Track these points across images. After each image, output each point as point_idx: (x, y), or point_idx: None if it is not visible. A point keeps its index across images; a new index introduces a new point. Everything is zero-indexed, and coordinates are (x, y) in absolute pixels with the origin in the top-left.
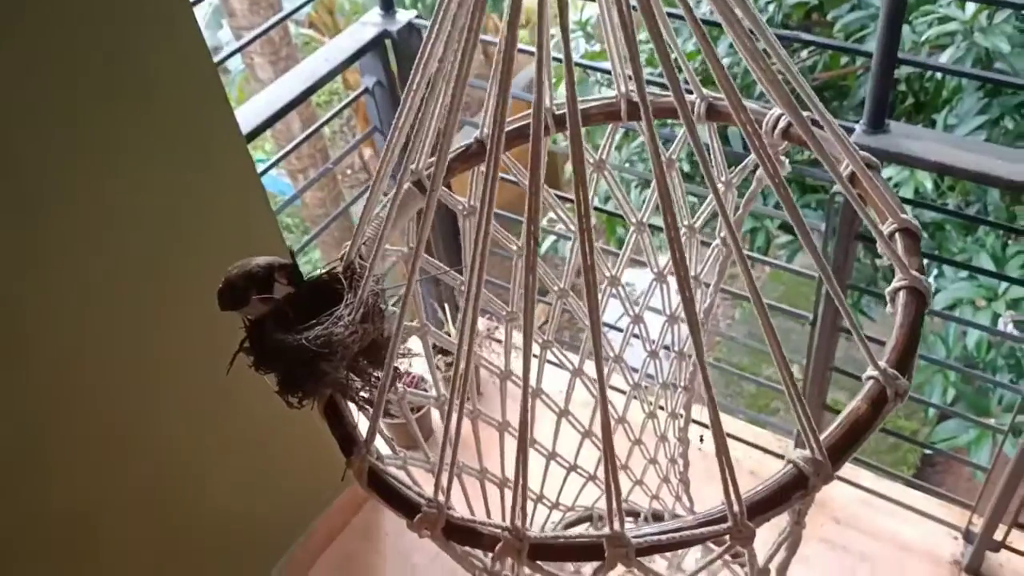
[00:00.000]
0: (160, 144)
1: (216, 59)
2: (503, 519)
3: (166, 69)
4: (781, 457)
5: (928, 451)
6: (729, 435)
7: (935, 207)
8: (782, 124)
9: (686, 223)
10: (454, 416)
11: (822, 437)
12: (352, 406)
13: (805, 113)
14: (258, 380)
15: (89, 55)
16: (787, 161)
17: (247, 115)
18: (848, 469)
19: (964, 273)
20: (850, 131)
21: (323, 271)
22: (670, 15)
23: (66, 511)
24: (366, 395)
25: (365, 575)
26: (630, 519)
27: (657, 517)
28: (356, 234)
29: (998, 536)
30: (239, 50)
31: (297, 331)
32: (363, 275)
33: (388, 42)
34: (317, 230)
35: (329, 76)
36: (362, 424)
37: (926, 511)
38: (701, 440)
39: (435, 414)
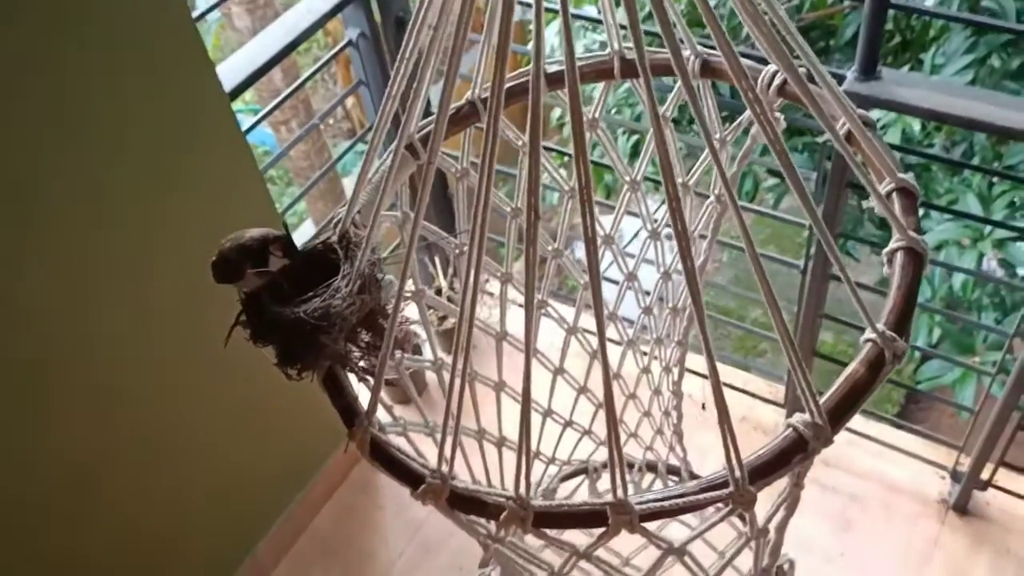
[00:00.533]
0: (142, 106)
1: (195, 14)
2: (501, 479)
3: (144, 26)
4: (772, 403)
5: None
6: (696, 372)
7: (923, 153)
8: (778, 81)
9: (680, 180)
10: (456, 385)
11: (821, 401)
12: (352, 376)
13: (800, 68)
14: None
15: (66, 11)
16: (782, 117)
17: (229, 72)
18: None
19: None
20: (841, 79)
21: (318, 241)
22: None
23: (66, 461)
24: (365, 365)
25: (365, 527)
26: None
27: (651, 467)
28: (350, 203)
29: (985, 475)
30: (217, 5)
31: (295, 304)
32: (358, 244)
33: None
34: (304, 188)
35: (312, 29)
36: (362, 393)
37: (913, 451)
38: (704, 408)
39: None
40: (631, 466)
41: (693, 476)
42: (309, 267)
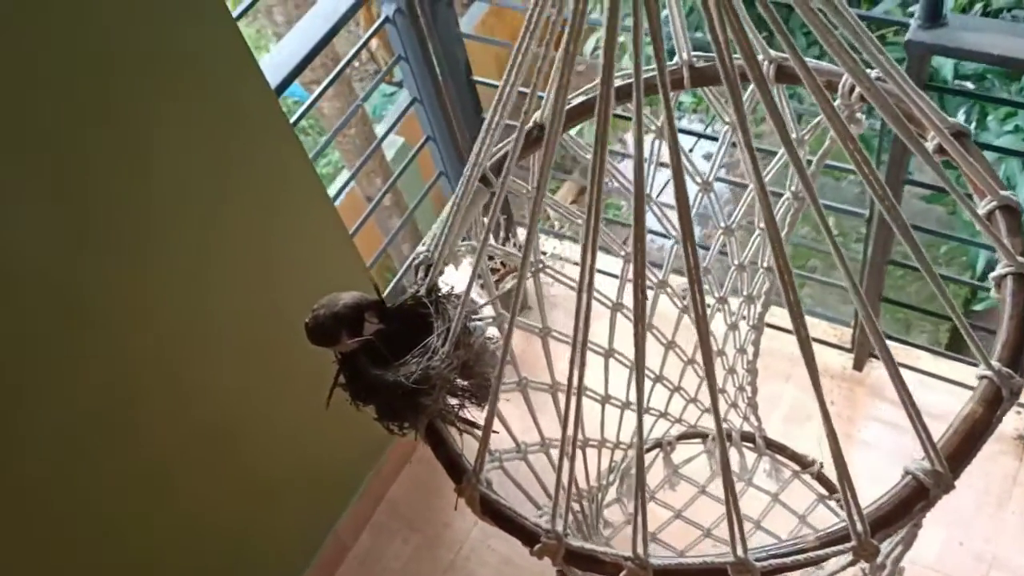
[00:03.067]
0: (191, 110)
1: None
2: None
3: (191, 36)
4: (837, 347)
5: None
6: (779, 328)
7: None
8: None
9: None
10: (567, 456)
11: (939, 443)
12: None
13: (873, 73)
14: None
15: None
16: (864, 118)
17: (272, 67)
18: (902, 351)
19: (1010, 125)
20: (904, 27)
21: (407, 297)
22: None
23: (145, 461)
24: (465, 416)
25: (439, 497)
26: (698, 440)
27: (728, 436)
28: (438, 257)
29: None
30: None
31: (393, 367)
32: (448, 297)
33: None
34: (332, 132)
35: (351, 11)
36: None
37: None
38: (821, 466)
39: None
40: (704, 436)
41: (768, 443)
42: (402, 321)
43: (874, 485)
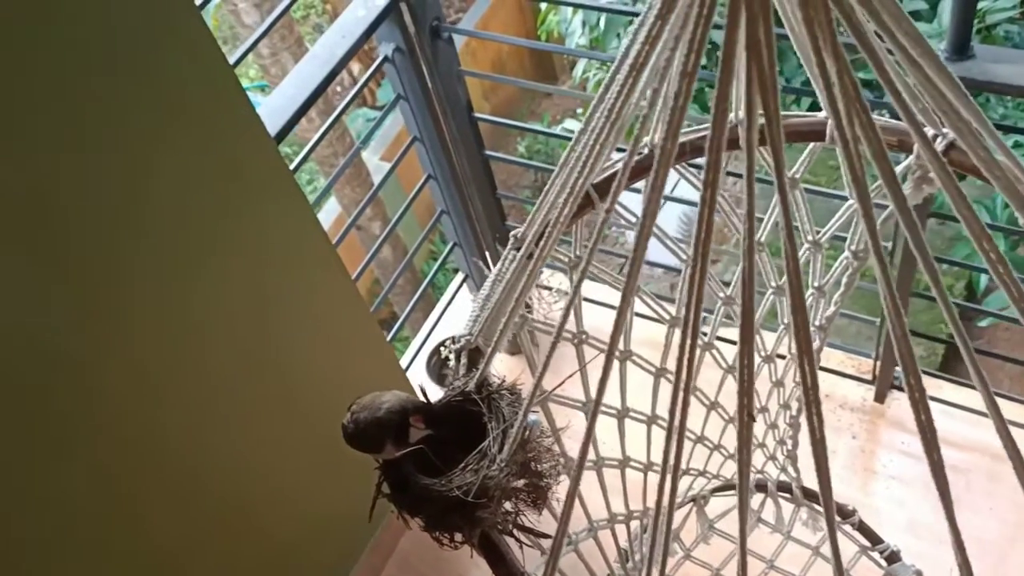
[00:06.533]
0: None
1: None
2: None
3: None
4: (856, 379)
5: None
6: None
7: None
8: (940, 147)
9: (810, 238)
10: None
11: None
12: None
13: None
14: (320, 391)
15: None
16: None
17: (271, 114)
18: (926, 382)
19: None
20: None
21: (456, 393)
22: None
23: (158, 553)
24: (523, 522)
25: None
26: (733, 492)
27: (760, 487)
28: (492, 349)
29: None
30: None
31: (446, 477)
32: (499, 392)
33: (403, 5)
34: (329, 181)
35: (349, 54)
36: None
37: (1013, 419)
38: None
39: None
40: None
41: (805, 492)
42: (450, 422)
43: (908, 534)
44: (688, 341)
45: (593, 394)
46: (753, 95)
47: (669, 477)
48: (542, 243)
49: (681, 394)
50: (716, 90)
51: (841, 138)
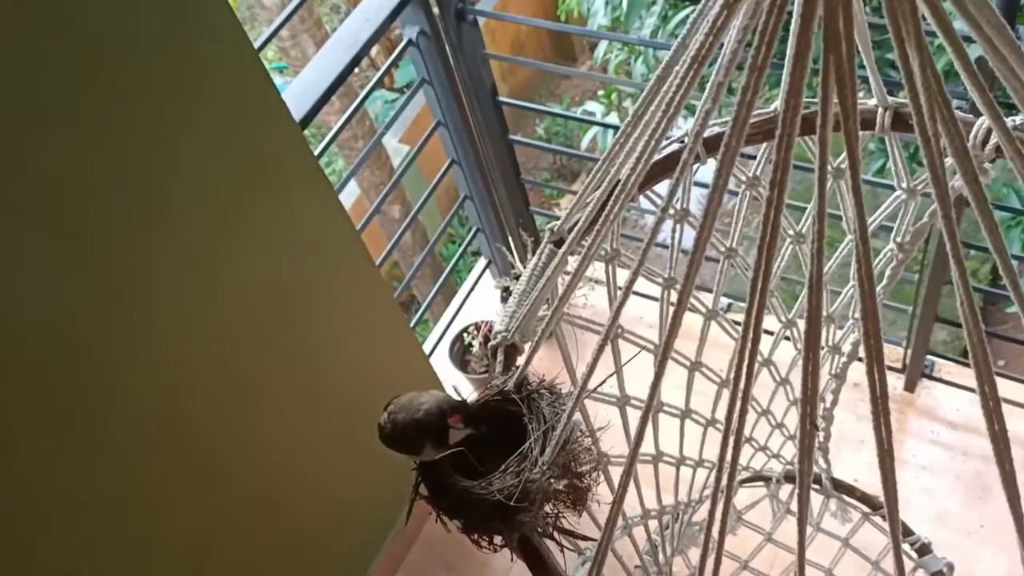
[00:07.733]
0: (214, 149)
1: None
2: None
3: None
4: (889, 368)
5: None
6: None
7: None
8: (993, 140)
9: (849, 236)
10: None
11: None
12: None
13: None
14: (344, 378)
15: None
16: (992, 168)
17: (295, 99)
18: (955, 370)
19: None
20: None
21: (495, 393)
22: None
23: (183, 547)
24: (563, 524)
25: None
26: (760, 483)
27: (789, 478)
28: (532, 347)
29: None
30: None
31: (486, 480)
32: (539, 392)
33: None
34: (349, 172)
35: (373, 38)
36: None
37: None
38: None
39: None
40: (767, 480)
41: (836, 484)
42: (489, 423)
43: (937, 525)
44: (748, 348)
45: (632, 391)
46: (829, 88)
47: (725, 476)
48: (591, 239)
49: (739, 403)
50: (788, 85)
51: (922, 135)
